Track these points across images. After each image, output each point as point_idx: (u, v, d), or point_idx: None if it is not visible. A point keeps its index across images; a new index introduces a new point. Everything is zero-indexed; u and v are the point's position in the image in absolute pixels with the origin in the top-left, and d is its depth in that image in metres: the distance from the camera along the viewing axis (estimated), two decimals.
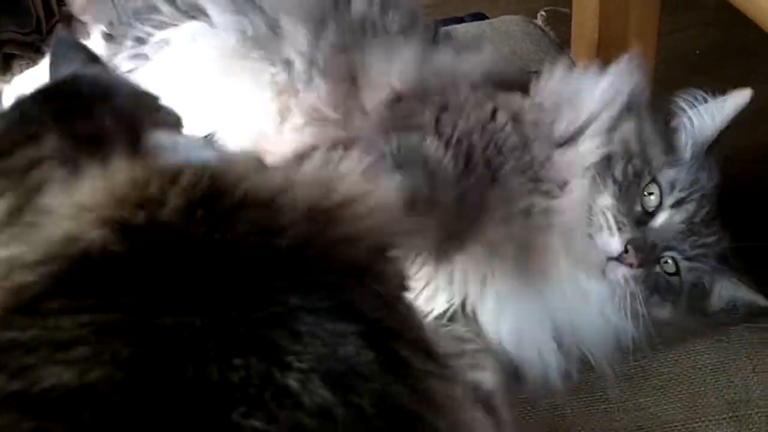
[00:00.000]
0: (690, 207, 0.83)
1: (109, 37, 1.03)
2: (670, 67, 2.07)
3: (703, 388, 0.85)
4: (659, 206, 0.82)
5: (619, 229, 0.81)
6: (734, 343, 0.89)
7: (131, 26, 1.01)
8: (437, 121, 0.84)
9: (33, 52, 2.22)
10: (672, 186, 0.83)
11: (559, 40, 1.46)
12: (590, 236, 0.82)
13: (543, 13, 1.48)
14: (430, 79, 0.90)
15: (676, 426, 0.82)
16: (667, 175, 0.83)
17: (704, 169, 0.85)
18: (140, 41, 0.99)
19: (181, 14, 0.98)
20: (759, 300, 0.85)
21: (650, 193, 0.82)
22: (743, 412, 0.83)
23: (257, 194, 0.45)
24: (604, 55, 1.56)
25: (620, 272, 0.81)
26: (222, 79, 0.93)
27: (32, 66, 1.12)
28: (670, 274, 0.83)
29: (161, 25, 0.99)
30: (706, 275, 0.84)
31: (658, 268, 0.82)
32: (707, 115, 0.86)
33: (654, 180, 0.83)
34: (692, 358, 0.88)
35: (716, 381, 0.86)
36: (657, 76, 1.53)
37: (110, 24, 1.05)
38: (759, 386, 0.85)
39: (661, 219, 0.82)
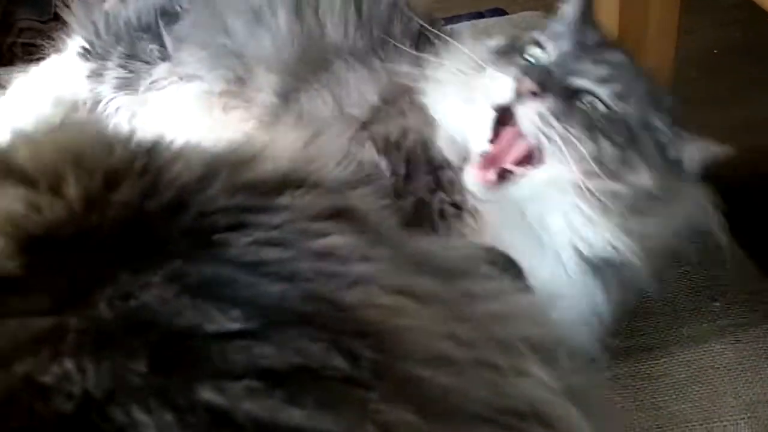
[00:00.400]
0: (574, 37, 0.78)
1: (87, 54, 1.05)
2: (688, 67, 2.07)
3: (721, 388, 0.85)
4: (544, 51, 0.78)
5: (505, 74, 0.75)
6: (752, 343, 0.89)
7: (115, 49, 1.02)
8: None
9: (52, 41, 2.23)
10: (552, 34, 0.80)
11: None
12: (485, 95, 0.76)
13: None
14: None
15: (694, 426, 0.82)
16: (543, 34, 0.81)
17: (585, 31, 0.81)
18: (125, 68, 1.01)
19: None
20: (720, 148, 0.78)
21: (535, 51, 0.78)
22: (761, 412, 0.83)
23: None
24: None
25: (531, 107, 0.72)
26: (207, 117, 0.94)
27: (50, 55, 1.13)
28: (604, 113, 0.75)
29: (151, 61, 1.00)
30: (658, 123, 0.77)
31: (581, 105, 0.74)
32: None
33: (533, 41, 0.80)
34: (710, 358, 0.88)
35: (734, 381, 0.86)
36: (675, 75, 1.54)
37: (90, 42, 1.05)
38: None
39: (550, 55, 0.78)
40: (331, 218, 0.47)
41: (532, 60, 0.78)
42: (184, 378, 0.37)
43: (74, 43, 1.07)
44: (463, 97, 0.80)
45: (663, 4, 1.50)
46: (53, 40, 1.12)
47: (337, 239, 0.46)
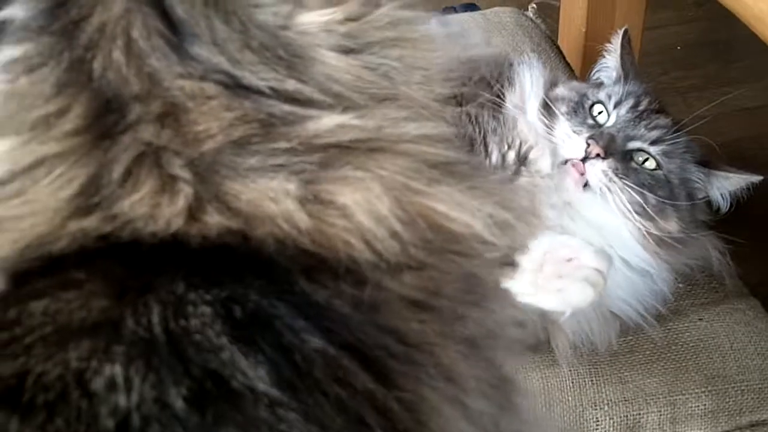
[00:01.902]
0: (629, 102, 0.95)
1: None
2: (653, 62, 2.13)
3: (684, 364, 0.90)
4: (606, 113, 0.95)
5: (577, 133, 0.92)
6: (713, 322, 0.94)
7: None
8: None
9: None
10: (609, 96, 0.96)
11: (549, 32, 1.51)
12: (559, 155, 0.92)
13: (534, 5, 1.52)
14: None
15: (659, 398, 0.87)
16: (603, 93, 0.97)
17: (631, 83, 0.99)
18: None
19: None
20: (752, 178, 0.93)
21: (599, 112, 0.95)
22: (720, 386, 0.89)
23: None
24: (590, 46, 1.62)
25: (597, 167, 0.89)
26: None
27: None
28: (652, 170, 0.91)
29: None
30: (693, 174, 0.93)
31: (634, 164, 0.90)
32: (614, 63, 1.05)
33: (596, 101, 0.96)
34: (674, 336, 0.93)
35: (696, 357, 0.91)
36: (641, 70, 1.59)
37: None
38: (735, 363, 0.91)
39: (611, 119, 0.94)
40: (416, 305, 0.44)
41: (598, 121, 0.94)
42: (214, 421, 0.36)
43: None
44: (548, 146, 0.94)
45: (629, 4, 1.56)
46: None
47: (415, 326, 0.43)
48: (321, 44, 0.46)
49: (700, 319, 0.95)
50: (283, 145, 0.43)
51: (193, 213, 0.41)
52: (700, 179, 0.94)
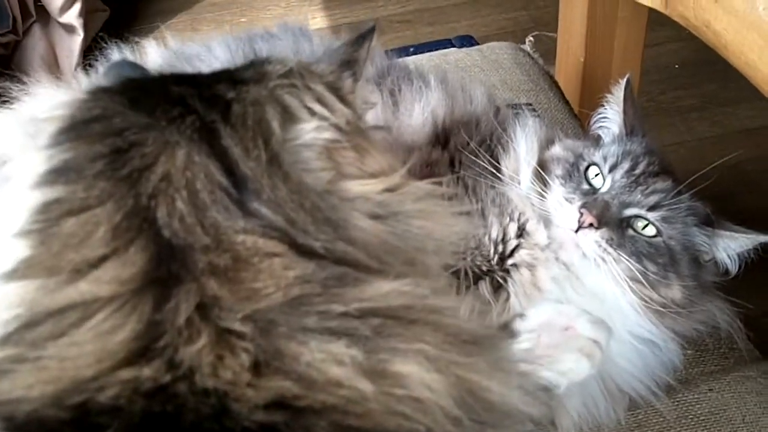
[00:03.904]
0: (625, 164, 0.89)
1: None
2: (651, 81, 2.10)
3: None
4: (601, 177, 0.90)
5: (569, 201, 0.87)
6: (724, 393, 0.91)
7: None
8: None
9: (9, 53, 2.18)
10: (605, 158, 0.91)
11: (544, 62, 1.48)
12: (552, 224, 0.88)
13: (531, 38, 1.48)
14: None
15: None
16: (599, 155, 0.92)
17: (630, 141, 0.94)
18: None
19: None
20: (760, 238, 0.87)
21: (595, 174, 0.90)
22: None
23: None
24: (590, 75, 1.58)
25: (590, 237, 0.84)
26: None
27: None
28: (650, 237, 0.86)
29: None
30: (696, 237, 0.88)
31: (631, 231, 0.86)
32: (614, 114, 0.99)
33: (591, 163, 0.91)
34: (684, 409, 0.90)
35: None
36: (639, 89, 1.56)
37: None
38: None
39: (605, 184, 0.89)
40: None
41: (594, 185, 0.89)
42: None
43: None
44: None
45: (629, 23, 1.52)
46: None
47: None
48: (359, 209, 0.49)
49: (710, 390, 0.91)
50: (338, 308, 0.44)
51: (256, 369, 0.42)
52: (704, 242, 0.89)
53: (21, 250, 0.45)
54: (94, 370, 0.41)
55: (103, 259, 0.44)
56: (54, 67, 2.32)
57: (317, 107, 0.52)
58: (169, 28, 2.51)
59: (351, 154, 0.52)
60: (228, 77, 0.53)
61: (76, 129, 0.48)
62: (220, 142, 0.48)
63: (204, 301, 0.43)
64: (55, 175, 0.46)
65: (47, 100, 1.11)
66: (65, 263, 0.44)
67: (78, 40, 2.30)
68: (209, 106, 0.49)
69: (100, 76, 0.58)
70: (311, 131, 0.51)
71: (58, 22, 2.28)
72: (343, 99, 0.54)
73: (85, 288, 0.43)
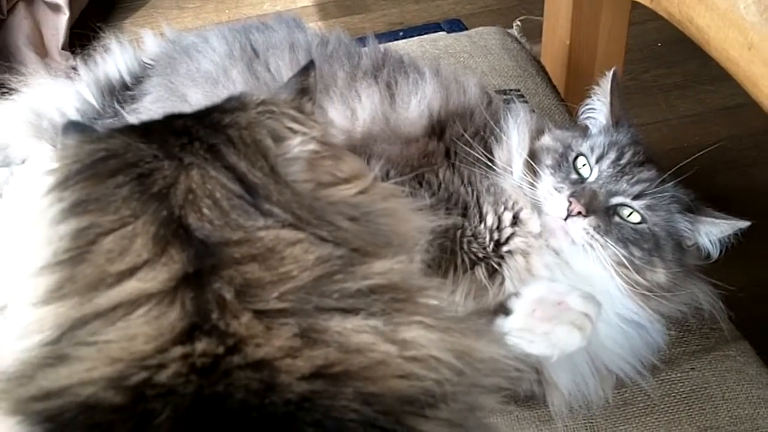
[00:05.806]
0: (612, 155, 0.94)
1: None
2: (634, 59, 2.13)
3: (677, 416, 0.92)
4: (588, 167, 0.94)
5: (558, 191, 0.92)
6: (705, 371, 0.96)
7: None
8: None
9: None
10: (592, 149, 0.95)
11: (531, 46, 1.50)
12: (543, 212, 0.92)
13: (518, 23, 1.51)
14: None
15: None
16: (586, 145, 0.96)
17: (617, 132, 0.98)
18: None
19: None
20: (739, 224, 0.93)
21: (583, 164, 0.94)
22: None
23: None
24: (575, 59, 1.61)
25: (578, 225, 0.89)
26: None
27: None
28: (636, 224, 0.91)
29: None
30: (680, 224, 0.92)
31: (617, 219, 0.90)
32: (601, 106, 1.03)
33: (579, 154, 0.95)
34: (667, 387, 0.95)
35: (689, 409, 0.93)
36: (623, 68, 1.59)
37: None
38: (727, 413, 0.93)
39: (593, 174, 0.94)
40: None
41: (582, 174, 0.94)
42: None
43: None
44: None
45: (614, 5, 1.55)
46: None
47: None
48: (341, 212, 0.58)
49: (692, 369, 0.96)
50: (353, 285, 0.52)
51: (301, 338, 0.48)
52: (687, 228, 0.93)
53: (49, 280, 0.52)
54: (153, 346, 0.47)
55: (146, 263, 0.50)
56: (40, 46, 2.31)
57: (296, 126, 0.60)
58: (154, 6, 2.51)
59: (329, 163, 0.61)
60: (217, 109, 0.62)
61: (84, 171, 0.55)
62: (226, 159, 0.56)
63: (243, 285, 0.50)
64: (78, 208, 0.53)
65: (45, 93, 1.14)
66: (107, 274, 0.50)
67: (63, 18, 2.29)
68: (210, 133, 0.58)
69: (59, 136, 0.68)
70: (298, 145, 0.59)
71: (43, 1, 2.27)
72: (310, 118, 0.63)
73: (131, 286, 0.49)
